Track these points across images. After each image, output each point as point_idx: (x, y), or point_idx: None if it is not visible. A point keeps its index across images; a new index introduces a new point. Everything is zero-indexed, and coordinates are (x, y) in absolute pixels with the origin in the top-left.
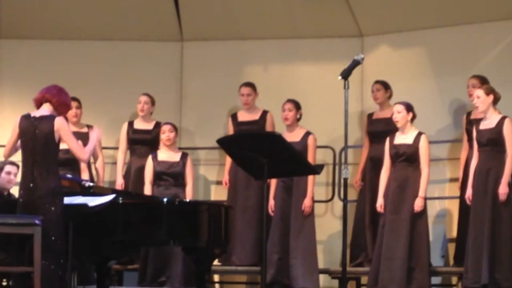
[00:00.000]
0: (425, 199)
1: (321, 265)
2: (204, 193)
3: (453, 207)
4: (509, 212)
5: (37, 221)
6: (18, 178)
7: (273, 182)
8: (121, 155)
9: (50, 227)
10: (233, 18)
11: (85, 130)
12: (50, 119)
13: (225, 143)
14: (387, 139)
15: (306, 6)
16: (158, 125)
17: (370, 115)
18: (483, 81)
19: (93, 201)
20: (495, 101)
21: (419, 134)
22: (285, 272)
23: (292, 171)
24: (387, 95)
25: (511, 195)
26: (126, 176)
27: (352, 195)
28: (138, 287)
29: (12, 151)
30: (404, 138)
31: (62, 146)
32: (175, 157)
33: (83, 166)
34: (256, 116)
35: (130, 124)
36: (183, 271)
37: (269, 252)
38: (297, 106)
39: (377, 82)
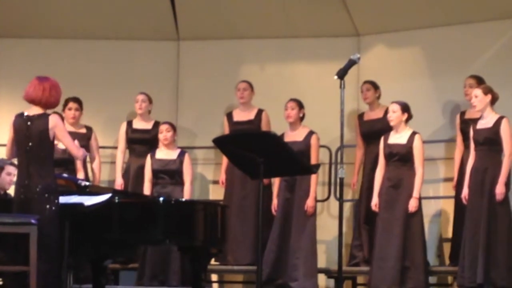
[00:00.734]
0: (420, 199)
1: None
2: (200, 192)
3: (448, 206)
4: (505, 211)
5: (33, 221)
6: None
7: (276, 181)
8: (120, 155)
9: (45, 225)
10: (230, 17)
11: (83, 131)
12: (44, 117)
13: (220, 143)
14: (382, 139)
15: (302, 5)
16: (157, 125)
17: (361, 116)
18: (480, 81)
19: (89, 200)
20: (493, 101)
21: (413, 134)
22: (281, 272)
23: (288, 170)
24: (376, 95)
25: (508, 194)
26: (125, 176)
27: (348, 194)
28: (135, 286)
29: (13, 150)
30: (398, 137)
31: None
32: (173, 155)
33: (78, 166)
34: (251, 115)
35: (129, 123)
36: (181, 270)
37: (267, 251)
38: (299, 105)
39: (366, 82)
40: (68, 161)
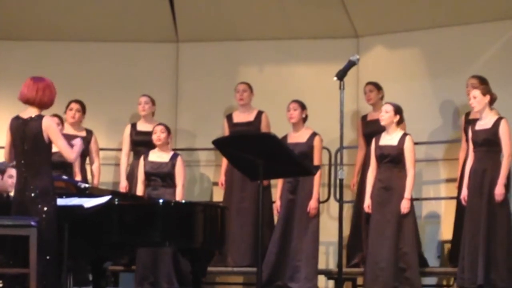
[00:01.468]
0: (411, 200)
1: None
2: (200, 194)
3: (449, 207)
4: (504, 212)
5: (33, 223)
6: None
7: (280, 183)
8: (125, 157)
9: (43, 227)
10: (229, 19)
11: (83, 133)
12: (38, 119)
13: (220, 144)
14: (373, 140)
15: (301, 7)
16: None
17: (364, 117)
18: (482, 81)
19: (88, 202)
20: (491, 102)
21: (404, 135)
22: (281, 273)
23: (287, 171)
24: (379, 96)
25: (507, 195)
26: (129, 178)
27: (348, 196)
28: None
29: (12, 154)
30: (389, 139)
31: (56, 149)
32: (165, 157)
33: (76, 170)
34: (251, 116)
35: (133, 126)
36: (175, 271)
37: (267, 252)
38: (302, 106)
39: (369, 83)
40: (66, 164)
